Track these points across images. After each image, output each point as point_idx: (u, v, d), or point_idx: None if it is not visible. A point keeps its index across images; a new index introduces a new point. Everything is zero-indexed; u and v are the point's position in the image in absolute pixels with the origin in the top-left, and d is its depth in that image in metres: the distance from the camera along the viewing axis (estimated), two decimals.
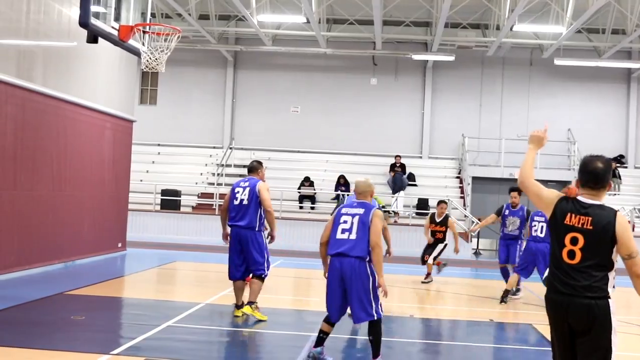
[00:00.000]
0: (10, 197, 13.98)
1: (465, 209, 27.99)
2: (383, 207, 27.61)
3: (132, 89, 21.19)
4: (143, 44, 10.36)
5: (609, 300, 5.27)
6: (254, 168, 11.28)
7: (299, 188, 28.59)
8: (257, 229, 10.86)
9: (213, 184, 29.36)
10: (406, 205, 27.88)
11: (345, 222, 8.20)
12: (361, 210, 8.22)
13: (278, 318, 11.63)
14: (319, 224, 26.63)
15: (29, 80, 14.51)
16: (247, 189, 10.92)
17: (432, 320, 12.68)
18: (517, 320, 12.84)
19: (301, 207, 28.32)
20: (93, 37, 9.29)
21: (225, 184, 27.89)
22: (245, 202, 10.86)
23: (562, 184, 26.57)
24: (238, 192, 10.97)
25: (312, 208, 28.39)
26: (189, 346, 9.29)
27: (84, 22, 8.77)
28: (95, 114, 17.77)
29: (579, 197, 5.45)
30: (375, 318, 8.04)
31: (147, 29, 10.58)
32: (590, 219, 5.30)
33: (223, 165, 30.60)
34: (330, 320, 8.37)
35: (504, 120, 31.43)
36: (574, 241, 5.33)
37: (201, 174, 30.61)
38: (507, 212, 15.29)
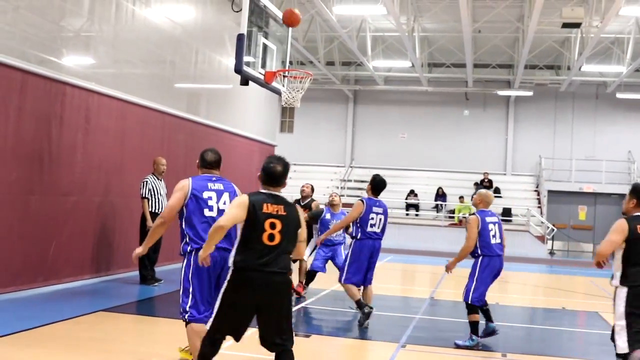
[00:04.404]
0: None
1: (542, 217, 27.48)
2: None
3: (274, 121, 21.56)
4: (283, 85, 10.53)
5: None
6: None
7: (406, 198, 28.46)
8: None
9: None
10: None
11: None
12: None
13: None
14: (421, 227, 26.59)
15: (195, 114, 14.98)
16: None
17: (514, 308, 12.31)
18: (586, 309, 12.37)
19: (407, 214, 28.13)
20: (245, 81, 9.50)
21: (347, 196, 27.92)
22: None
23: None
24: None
25: (417, 215, 28.18)
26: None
27: (238, 69, 8.99)
28: (246, 140, 18.13)
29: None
30: None
31: (286, 74, 10.77)
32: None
33: (345, 180, 30.78)
34: None
35: (575, 143, 30.33)
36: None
37: (327, 187, 30.73)
38: None
